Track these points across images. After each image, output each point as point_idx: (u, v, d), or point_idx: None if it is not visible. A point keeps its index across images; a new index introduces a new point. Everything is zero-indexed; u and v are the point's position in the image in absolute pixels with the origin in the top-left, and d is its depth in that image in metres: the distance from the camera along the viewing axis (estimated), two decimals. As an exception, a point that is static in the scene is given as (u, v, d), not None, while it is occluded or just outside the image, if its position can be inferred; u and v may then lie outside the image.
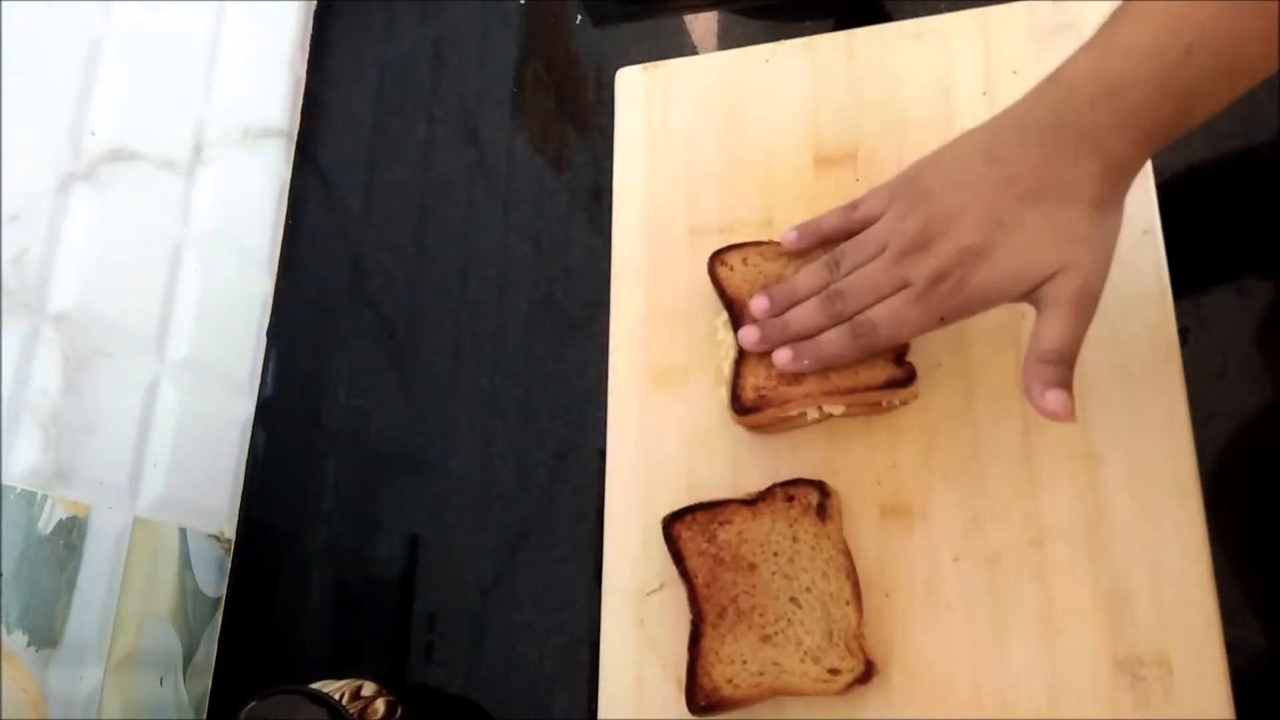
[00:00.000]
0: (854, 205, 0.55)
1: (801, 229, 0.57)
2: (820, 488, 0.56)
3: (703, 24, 0.73)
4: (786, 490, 0.56)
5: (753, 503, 0.56)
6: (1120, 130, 0.44)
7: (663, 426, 0.61)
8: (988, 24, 0.64)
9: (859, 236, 0.53)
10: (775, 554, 0.55)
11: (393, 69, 0.78)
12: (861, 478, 0.57)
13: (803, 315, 0.54)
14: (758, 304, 0.56)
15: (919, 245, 0.49)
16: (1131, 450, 0.54)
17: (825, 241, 0.57)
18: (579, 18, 0.76)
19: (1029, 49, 0.62)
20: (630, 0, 0.76)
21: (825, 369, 0.55)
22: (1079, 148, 0.44)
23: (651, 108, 0.69)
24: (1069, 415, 0.45)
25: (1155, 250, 0.57)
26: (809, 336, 0.54)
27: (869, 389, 0.55)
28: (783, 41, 0.68)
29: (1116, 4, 0.44)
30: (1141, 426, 0.54)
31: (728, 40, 0.72)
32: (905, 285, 0.50)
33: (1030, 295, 0.47)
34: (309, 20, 0.82)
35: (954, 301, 0.49)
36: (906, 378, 0.55)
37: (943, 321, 0.50)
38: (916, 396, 0.57)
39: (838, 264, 0.54)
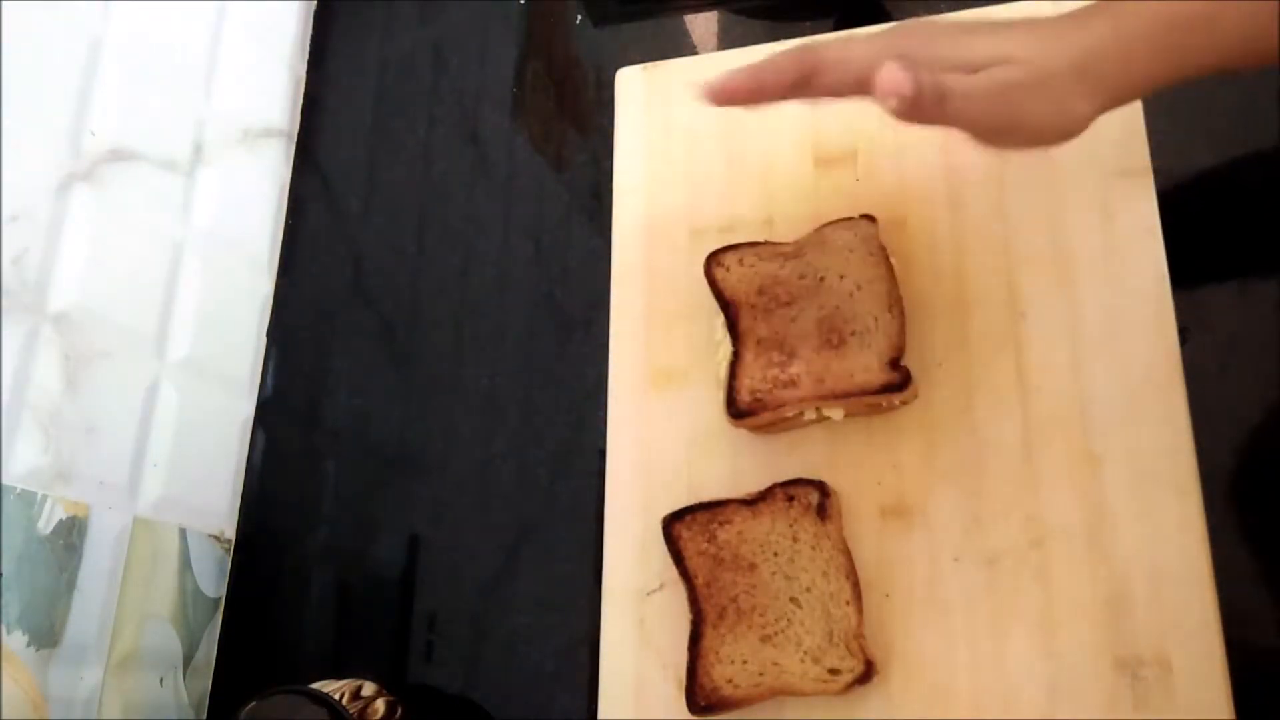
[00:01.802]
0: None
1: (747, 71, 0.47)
2: (820, 488, 0.56)
3: (703, 24, 0.73)
4: (786, 490, 0.56)
5: (753, 503, 0.56)
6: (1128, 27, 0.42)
7: (662, 427, 0.61)
8: (988, 24, 0.64)
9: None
10: (775, 554, 0.55)
11: (393, 69, 0.78)
12: (861, 478, 0.57)
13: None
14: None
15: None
16: (1131, 450, 0.54)
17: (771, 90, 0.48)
18: (579, 18, 0.76)
19: (1029, 49, 0.62)
20: (630, 0, 0.76)
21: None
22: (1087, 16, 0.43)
23: (651, 108, 0.69)
24: (905, 85, 0.42)
25: (1155, 250, 0.57)
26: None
27: (864, 393, 0.55)
28: (782, 41, 0.68)
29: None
30: (1141, 426, 0.54)
31: (728, 40, 0.72)
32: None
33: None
34: (309, 20, 0.82)
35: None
36: (902, 382, 0.55)
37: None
38: (916, 397, 0.57)
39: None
